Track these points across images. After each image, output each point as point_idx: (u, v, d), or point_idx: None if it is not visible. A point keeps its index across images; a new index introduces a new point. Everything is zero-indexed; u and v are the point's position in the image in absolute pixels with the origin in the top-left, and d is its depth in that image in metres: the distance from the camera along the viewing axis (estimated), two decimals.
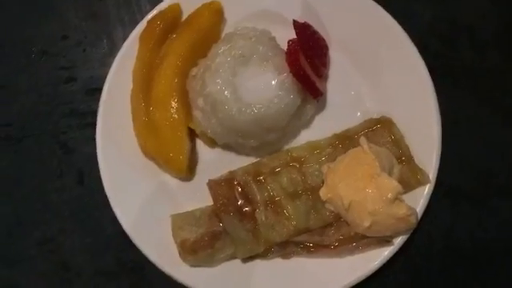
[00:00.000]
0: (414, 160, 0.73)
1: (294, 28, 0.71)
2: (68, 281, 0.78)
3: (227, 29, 0.80)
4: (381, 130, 0.75)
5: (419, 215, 0.71)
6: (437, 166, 0.72)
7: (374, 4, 0.76)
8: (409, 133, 0.75)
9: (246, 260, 0.72)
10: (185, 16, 0.79)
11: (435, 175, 0.72)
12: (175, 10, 0.78)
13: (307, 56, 0.71)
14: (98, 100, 0.77)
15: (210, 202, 0.74)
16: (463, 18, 0.83)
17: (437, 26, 0.83)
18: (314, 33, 0.75)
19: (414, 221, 0.69)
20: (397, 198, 0.68)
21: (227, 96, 0.71)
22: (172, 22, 0.78)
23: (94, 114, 0.77)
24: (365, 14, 0.77)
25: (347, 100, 0.78)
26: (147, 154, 0.76)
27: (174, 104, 0.74)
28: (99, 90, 0.77)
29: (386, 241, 0.70)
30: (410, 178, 0.72)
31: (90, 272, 0.78)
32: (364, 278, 0.70)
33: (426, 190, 0.72)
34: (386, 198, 0.67)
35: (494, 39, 0.83)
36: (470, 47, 0.82)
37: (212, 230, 0.73)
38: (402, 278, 0.76)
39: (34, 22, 0.87)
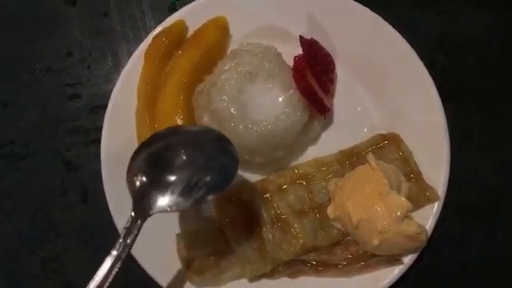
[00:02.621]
0: (422, 177, 0.72)
1: (301, 44, 0.71)
2: None
3: (233, 45, 0.79)
4: (388, 146, 0.74)
5: (429, 233, 0.70)
6: (446, 183, 0.71)
7: (381, 20, 0.76)
8: (417, 149, 0.74)
9: (252, 280, 0.71)
10: (190, 32, 0.79)
11: (444, 192, 0.71)
12: (180, 26, 0.78)
13: (314, 72, 0.71)
14: (102, 117, 0.76)
15: (215, 219, 0.73)
16: (470, 33, 0.83)
17: (444, 42, 0.83)
18: (321, 49, 0.75)
19: (424, 239, 0.68)
20: (406, 216, 0.67)
21: (233, 113, 0.70)
22: (177, 38, 0.78)
23: (99, 130, 0.76)
24: (371, 30, 0.77)
25: (354, 116, 0.78)
26: None
27: (179, 121, 0.74)
28: (104, 106, 0.77)
29: (395, 259, 0.69)
30: (418, 196, 0.71)
31: None
32: None
33: (435, 208, 0.71)
34: (396, 216, 0.66)
35: (502, 54, 0.82)
36: (477, 62, 0.82)
37: (218, 248, 0.72)
38: None
39: (39, 39, 0.87)
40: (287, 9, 0.79)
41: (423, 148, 0.73)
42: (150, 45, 0.77)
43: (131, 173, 0.63)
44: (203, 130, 0.70)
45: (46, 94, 0.84)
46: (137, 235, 0.61)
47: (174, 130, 0.67)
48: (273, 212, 0.72)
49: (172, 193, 0.63)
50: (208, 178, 0.63)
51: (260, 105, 0.71)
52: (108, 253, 0.75)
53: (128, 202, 0.72)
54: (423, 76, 0.74)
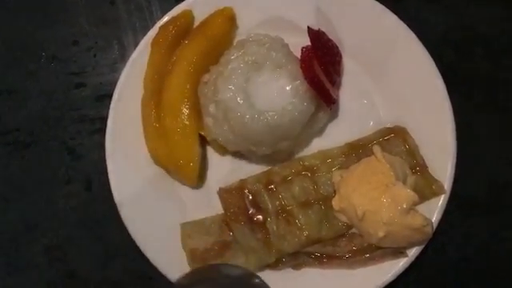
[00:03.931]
0: (428, 170, 0.72)
1: (309, 35, 0.70)
2: None
3: (239, 35, 0.79)
4: (394, 139, 0.74)
5: (434, 226, 0.69)
6: (452, 177, 0.71)
7: (389, 12, 0.76)
8: (423, 142, 0.73)
9: (256, 270, 0.70)
10: (197, 22, 0.79)
11: (450, 186, 0.71)
12: (187, 16, 0.78)
13: (321, 63, 0.70)
14: (107, 106, 0.76)
15: (220, 210, 0.73)
16: (478, 27, 0.82)
17: (451, 36, 0.82)
18: (328, 40, 0.74)
19: (429, 231, 0.67)
20: (412, 209, 0.66)
21: (240, 103, 0.70)
22: (184, 28, 0.77)
23: (104, 120, 0.76)
24: (378, 22, 0.76)
25: (360, 109, 0.77)
26: (157, 161, 0.75)
27: (185, 110, 0.73)
28: (109, 96, 0.76)
29: (400, 252, 0.69)
30: (424, 189, 0.71)
31: (98, 280, 0.76)
32: None
33: (440, 201, 0.71)
34: (402, 208, 0.65)
35: (510, 49, 0.82)
36: (485, 57, 0.81)
37: (222, 239, 0.72)
38: None
39: (45, 27, 0.86)
40: (295, 0, 0.79)
41: (430, 141, 0.73)
42: (156, 34, 0.77)
43: None
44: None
45: (51, 83, 0.84)
46: None
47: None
48: (277, 203, 0.72)
49: None
50: None
51: (267, 95, 0.71)
52: (111, 241, 0.76)
53: (132, 192, 0.73)
54: (430, 70, 0.74)
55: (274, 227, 0.71)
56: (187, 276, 0.63)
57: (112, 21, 0.86)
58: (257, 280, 0.60)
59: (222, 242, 0.71)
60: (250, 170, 0.75)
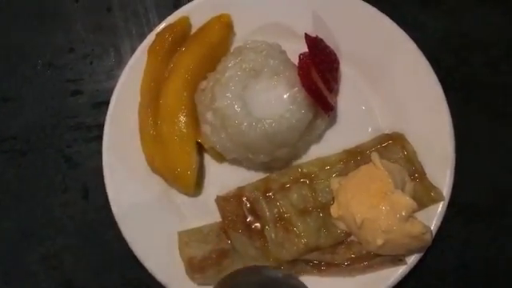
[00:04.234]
0: (427, 177, 0.72)
1: (306, 41, 0.70)
2: None
3: (237, 42, 0.78)
4: (393, 145, 0.73)
5: (433, 233, 0.69)
6: (451, 183, 0.71)
7: (386, 18, 0.75)
8: (421, 149, 0.73)
9: None
10: (194, 29, 0.78)
11: (449, 192, 0.71)
12: (184, 22, 0.77)
13: (319, 70, 0.70)
14: (104, 113, 0.75)
15: (217, 218, 0.72)
16: (476, 32, 0.82)
17: (449, 41, 0.82)
18: (326, 47, 0.74)
19: (429, 239, 0.67)
20: (411, 216, 0.66)
21: (237, 110, 0.69)
22: (181, 35, 0.77)
23: (101, 127, 0.75)
24: (376, 29, 0.76)
25: (358, 115, 0.77)
26: (154, 169, 0.74)
27: (182, 118, 0.73)
28: (106, 103, 0.76)
29: (398, 259, 0.68)
30: (423, 196, 0.70)
31: None
32: None
33: (439, 208, 0.70)
34: (400, 216, 0.65)
35: (508, 53, 0.81)
36: (483, 62, 0.81)
37: (220, 247, 0.71)
38: None
39: (41, 34, 0.86)
40: (292, 7, 0.78)
41: (428, 148, 0.72)
42: (153, 41, 0.76)
43: None
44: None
45: (48, 90, 0.84)
46: None
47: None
48: (275, 211, 0.72)
49: None
50: None
51: (264, 102, 0.70)
52: (108, 250, 0.76)
53: (129, 200, 0.73)
54: (429, 75, 0.74)
55: (272, 235, 0.70)
56: (227, 278, 0.64)
57: (108, 28, 0.86)
58: (296, 281, 0.63)
59: (220, 250, 0.71)
60: (247, 177, 0.75)
